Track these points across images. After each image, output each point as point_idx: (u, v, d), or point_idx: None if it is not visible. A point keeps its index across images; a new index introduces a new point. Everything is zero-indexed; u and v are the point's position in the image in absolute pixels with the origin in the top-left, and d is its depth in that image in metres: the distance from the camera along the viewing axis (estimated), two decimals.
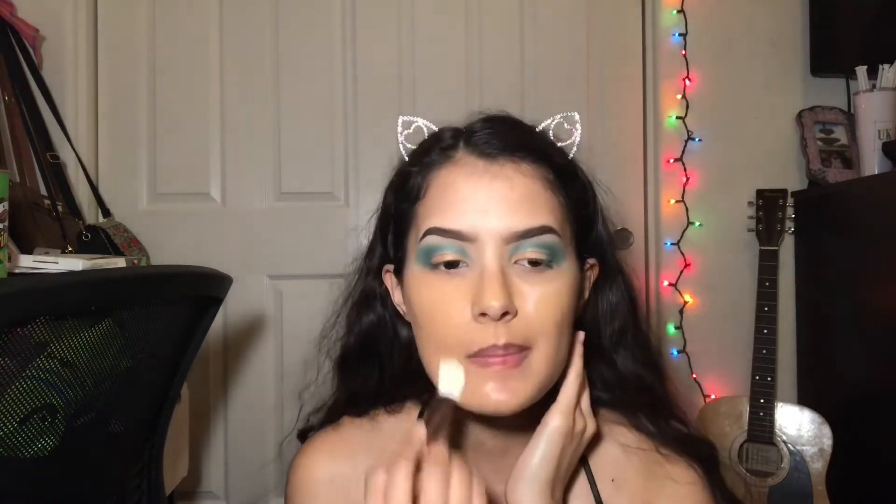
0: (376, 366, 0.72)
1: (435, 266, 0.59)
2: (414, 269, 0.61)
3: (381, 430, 0.70)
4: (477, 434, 0.67)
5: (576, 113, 0.67)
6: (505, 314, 0.56)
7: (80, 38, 1.67)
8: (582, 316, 0.68)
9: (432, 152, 0.63)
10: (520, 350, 0.57)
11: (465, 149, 0.62)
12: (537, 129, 0.66)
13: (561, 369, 0.62)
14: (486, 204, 0.58)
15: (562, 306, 0.59)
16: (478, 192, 0.58)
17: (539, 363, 0.58)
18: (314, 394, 0.77)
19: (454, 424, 0.67)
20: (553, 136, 0.66)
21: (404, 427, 0.70)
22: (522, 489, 0.60)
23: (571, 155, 0.66)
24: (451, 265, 0.59)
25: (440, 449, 0.49)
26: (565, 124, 0.66)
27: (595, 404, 0.68)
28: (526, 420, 0.65)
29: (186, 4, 1.74)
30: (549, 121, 0.67)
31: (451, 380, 0.53)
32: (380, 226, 0.71)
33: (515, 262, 0.58)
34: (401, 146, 0.67)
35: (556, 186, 0.61)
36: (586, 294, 0.67)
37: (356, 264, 0.74)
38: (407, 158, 0.67)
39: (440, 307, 0.58)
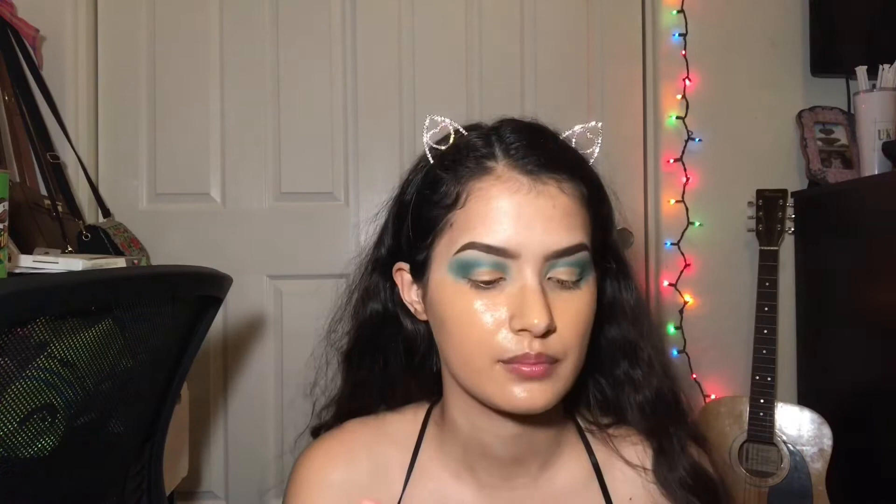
0: (380, 358, 0.73)
1: (473, 281, 0.59)
2: (445, 277, 0.61)
3: (385, 431, 0.70)
4: (487, 442, 0.66)
5: (599, 123, 0.66)
6: (546, 332, 0.57)
7: (80, 38, 1.67)
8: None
9: (467, 160, 0.61)
10: (550, 361, 0.58)
11: (505, 160, 0.60)
12: (561, 137, 0.66)
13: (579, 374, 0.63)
14: (529, 222, 0.58)
15: (587, 322, 0.61)
16: (522, 209, 0.58)
17: (565, 372, 0.60)
18: (326, 389, 0.77)
19: (461, 435, 0.67)
20: (575, 144, 0.66)
21: (408, 428, 0.70)
22: None
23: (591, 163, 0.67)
24: (488, 283, 0.59)
25: None
26: (588, 134, 0.66)
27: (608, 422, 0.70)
28: (535, 427, 0.65)
29: (186, 5, 1.74)
30: (570, 131, 0.67)
31: None
32: (394, 221, 0.69)
33: (549, 279, 0.59)
34: (426, 146, 0.65)
35: (589, 203, 0.62)
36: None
37: (362, 257, 0.74)
38: (432, 159, 0.65)
39: (476, 317, 0.59)
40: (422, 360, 0.72)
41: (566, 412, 0.71)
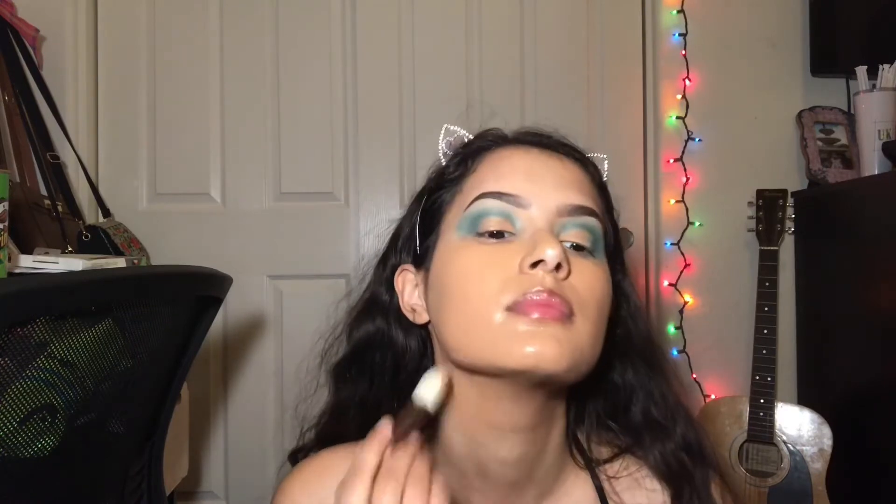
0: (367, 375, 0.70)
1: (480, 234, 0.57)
2: (453, 239, 0.59)
3: None
4: (485, 462, 0.61)
5: (605, 155, 0.68)
6: (560, 267, 0.53)
7: (80, 38, 1.67)
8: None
9: (480, 141, 0.64)
10: (566, 309, 0.52)
11: (516, 139, 0.64)
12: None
13: (591, 369, 0.57)
14: (541, 176, 0.58)
15: (603, 293, 0.57)
16: (534, 164, 0.59)
17: (581, 333, 0.53)
18: (312, 407, 0.75)
19: (454, 457, 0.63)
20: None
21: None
22: None
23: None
24: (497, 235, 0.56)
25: (398, 456, 0.47)
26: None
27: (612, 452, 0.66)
28: (537, 445, 0.61)
29: (186, 5, 1.74)
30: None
31: (428, 387, 0.51)
32: (401, 229, 0.69)
33: (561, 241, 0.56)
34: (441, 153, 0.66)
35: (600, 192, 0.63)
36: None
37: (362, 275, 0.73)
38: (444, 160, 0.66)
39: (482, 266, 0.55)
40: (406, 378, 0.68)
41: (572, 446, 0.66)
